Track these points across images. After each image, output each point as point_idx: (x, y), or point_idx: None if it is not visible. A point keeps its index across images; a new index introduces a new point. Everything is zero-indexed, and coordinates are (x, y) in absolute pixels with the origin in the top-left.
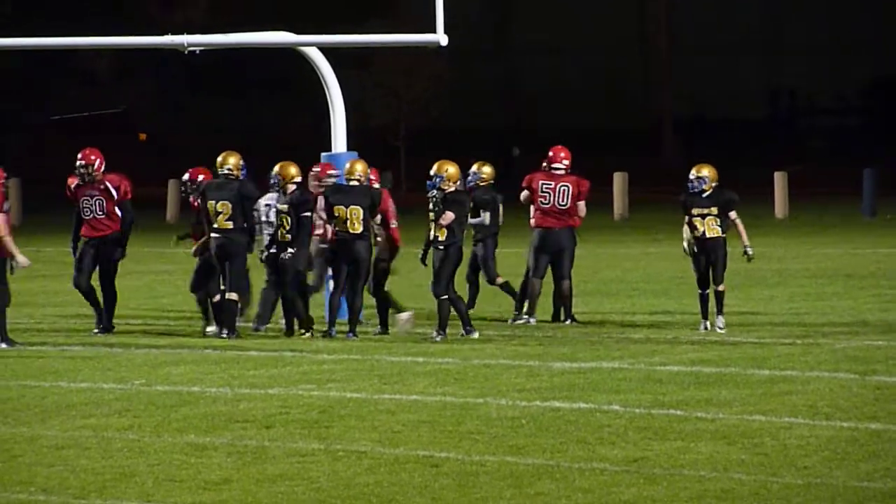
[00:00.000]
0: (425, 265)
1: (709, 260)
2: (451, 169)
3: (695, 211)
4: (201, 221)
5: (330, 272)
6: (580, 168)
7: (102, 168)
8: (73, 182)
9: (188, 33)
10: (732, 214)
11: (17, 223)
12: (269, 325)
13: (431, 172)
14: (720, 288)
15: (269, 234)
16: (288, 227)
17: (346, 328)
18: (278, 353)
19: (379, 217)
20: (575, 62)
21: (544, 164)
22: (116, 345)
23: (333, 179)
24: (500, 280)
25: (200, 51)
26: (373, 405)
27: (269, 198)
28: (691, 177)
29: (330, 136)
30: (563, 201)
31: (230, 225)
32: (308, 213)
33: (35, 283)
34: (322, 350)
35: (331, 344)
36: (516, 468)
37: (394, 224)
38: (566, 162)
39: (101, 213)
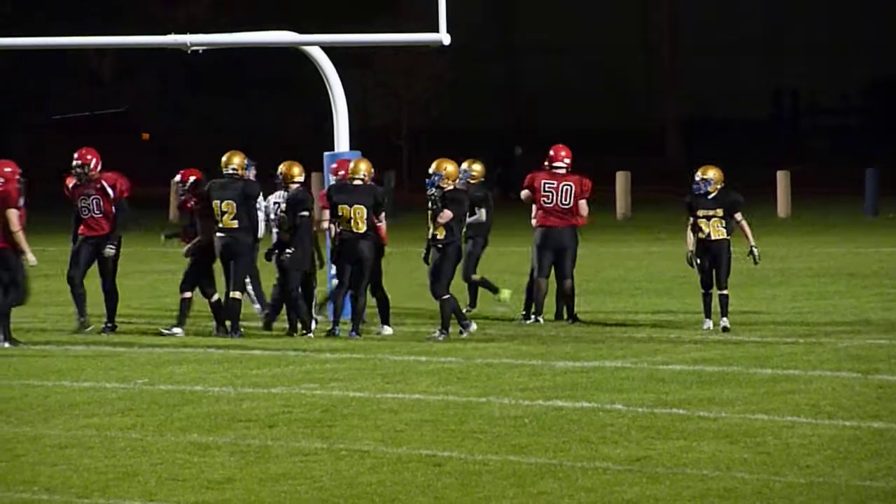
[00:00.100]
0: (427, 264)
1: (713, 262)
2: (450, 167)
3: (700, 212)
4: (194, 223)
5: (333, 271)
6: (580, 168)
7: (99, 167)
8: (70, 182)
9: (190, 32)
10: (738, 216)
11: None
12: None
13: (430, 171)
14: (724, 292)
15: (278, 234)
16: (287, 227)
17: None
18: (281, 352)
19: None
20: (576, 62)
21: (545, 163)
22: (119, 344)
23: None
24: (475, 277)
25: (203, 50)
26: (376, 404)
27: (278, 195)
28: (696, 178)
29: (332, 135)
30: (565, 200)
31: (235, 224)
32: (305, 213)
33: (38, 282)
34: (325, 349)
35: (334, 343)
36: (519, 467)
37: (380, 223)
38: (567, 160)
39: (98, 212)
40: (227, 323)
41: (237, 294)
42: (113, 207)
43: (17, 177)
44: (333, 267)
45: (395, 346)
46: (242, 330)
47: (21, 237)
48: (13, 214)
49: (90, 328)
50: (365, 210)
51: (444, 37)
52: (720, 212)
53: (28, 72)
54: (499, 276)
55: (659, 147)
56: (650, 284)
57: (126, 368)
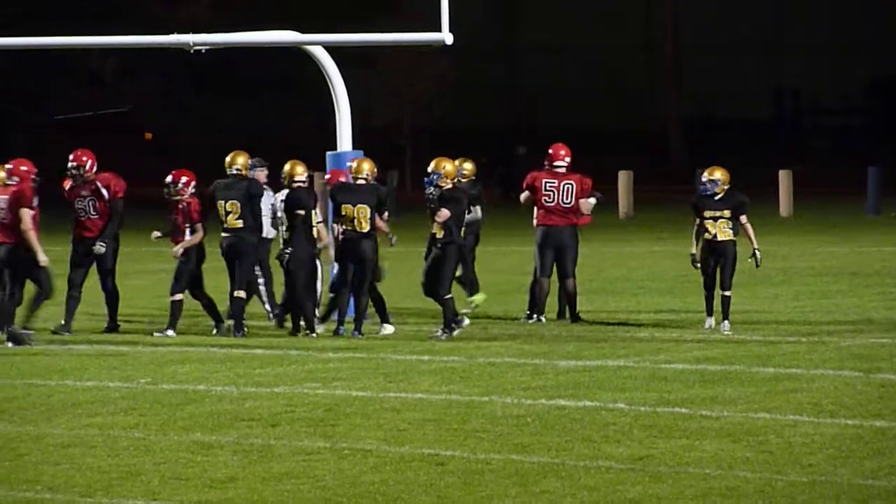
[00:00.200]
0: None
1: (718, 262)
2: (449, 166)
3: (707, 213)
4: (182, 224)
5: (336, 270)
6: (581, 168)
7: (94, 169)
8: (67, 184)
9: (193, 31)
10: (743, 218)
11: None
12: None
13: (429, 169)
14: (727, 293)
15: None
16: (286, 227)
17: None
18: (284, 351)
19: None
20: (576, 62)
21: (545, 162)
22: (122, 343)
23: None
24: (457, 274)
25: (206, 50)
26: (378, 403)
27: (283, 194)
28: (703, 179)
29: (335, 135)
30: (567, 199)
31: (240, 224)
32: (301, 212)
33: None
34: (327, 348)
35: (336, 342)
36: (521, 466)
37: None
38: (567, 159)
39: (94, 213)
40: (229, 323)
41: (241, 293)
42: (108, 207)
43: (33, 176)
44: (336, 266)
45: (398, 345)
46: (245, 329)
47: (32, 237)
48: (27, 214)
49: (67, 334)
50: (368, 209)
51: (446, 36)
52: (727, 213)
53: (28, 72)
54: (499, 275)
55: (660, 147)
56: (653, 283)
57: (129, 368)
